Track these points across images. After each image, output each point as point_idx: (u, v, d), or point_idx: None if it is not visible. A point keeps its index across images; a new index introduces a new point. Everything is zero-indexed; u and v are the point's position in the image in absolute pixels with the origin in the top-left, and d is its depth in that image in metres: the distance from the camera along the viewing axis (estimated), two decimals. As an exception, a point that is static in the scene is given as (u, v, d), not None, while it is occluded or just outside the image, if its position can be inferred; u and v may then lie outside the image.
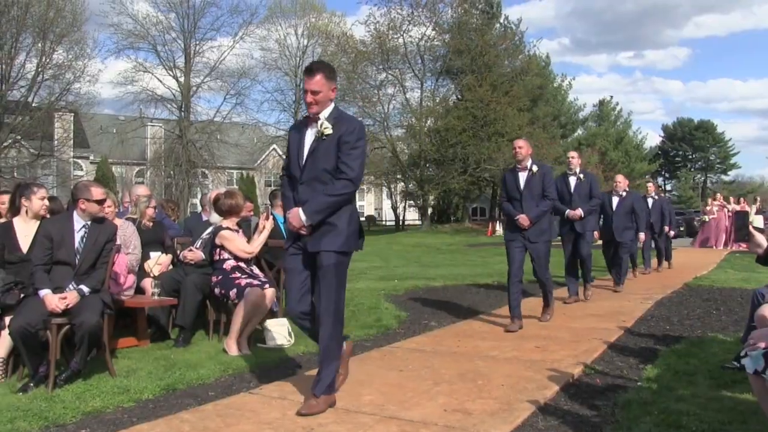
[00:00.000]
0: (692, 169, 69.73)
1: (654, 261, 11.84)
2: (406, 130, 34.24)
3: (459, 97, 33.71)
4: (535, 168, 6.26)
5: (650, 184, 11.70)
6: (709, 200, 18.66)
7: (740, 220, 4.63)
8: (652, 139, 72.54)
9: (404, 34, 32.16)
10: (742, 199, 19.38)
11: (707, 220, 17.86)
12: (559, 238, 8.13)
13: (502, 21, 36.43)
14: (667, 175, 71.35)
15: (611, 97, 54.50)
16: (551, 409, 3.63)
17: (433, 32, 32.76)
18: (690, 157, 70.31)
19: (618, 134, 49.40)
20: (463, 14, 32.80)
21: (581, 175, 7.84)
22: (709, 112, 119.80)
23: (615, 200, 8.89)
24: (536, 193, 6.20)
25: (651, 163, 52.19)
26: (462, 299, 8.27)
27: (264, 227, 5.78)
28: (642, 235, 9.67)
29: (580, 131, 47.04)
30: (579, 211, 7.67)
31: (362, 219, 50.45)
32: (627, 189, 9.25)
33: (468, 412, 3.55)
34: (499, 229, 27.74)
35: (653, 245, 11.66)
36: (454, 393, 3.91)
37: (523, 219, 6.06)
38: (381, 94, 34.08)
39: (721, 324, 6.33)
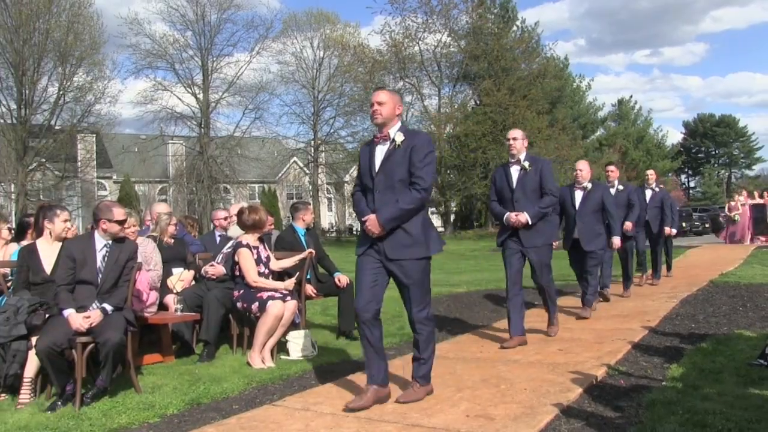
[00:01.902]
0: (716, 165, 68.71)
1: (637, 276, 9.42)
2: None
3: (477, 102, 33.67)
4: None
5: (651, 172, 9.93)
6: (735, 196, 18.32)
7: (758, 213, 4.57)
8: (673, 136, 71.91)
9: (420, 42, 32.26)
10: (766, 193, 19.01)
11: (737, 219, 17.50)
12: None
13: (518, 24, 36.41)
14: (690, 172, 70.40)
15: (630, 96, 54.09)
16: (574, 412, 3.60)
17: (449, 39, 32.82)
18: (713, 153, 69.30)
19: (638, 133, 48.91)
20: (478, 19, 32.79)
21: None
22: (730, 106, 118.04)
23: (579, 194, 6.97)
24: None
25: (674, 161, 51.54)
26: (485, 304, 8.23)
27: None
28: (616, 240, 7.20)
29: (600, 131, 46.66)
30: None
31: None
32: (592, 181, 7.21)
33: (491, 417, 3.53)
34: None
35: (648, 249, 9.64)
36: (476, 398, 3.90)
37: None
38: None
39: (747, 321, 6.23)
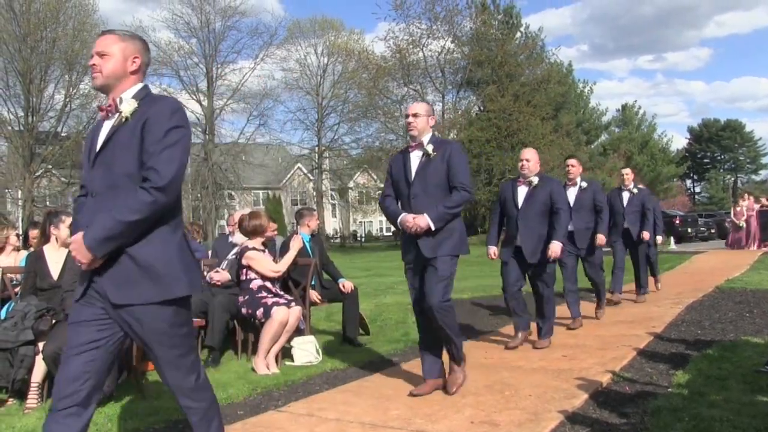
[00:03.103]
0: (721, 171, 68.55)
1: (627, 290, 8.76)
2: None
3: (481, 108, 33.69)
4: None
5: (627, 171, 8.61)
6: (740, 201, 18.22)
7: (764, 218, 4.57)
8: (678, 141, 71.57)
9: (424, 48, 32.32)
10: None
11: (742, 226, 17.42)
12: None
13: (522, 30, 36.45)
14: (695, 178, 70.26)
15: (635, 101, 54.05)
16: (579, 418, 3.59)
17: (453, 45, 32.85)
18: (719, 158, 69.15)
19: (643, 138, 48.82)
20: (482, 25, 32.83)
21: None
22: (735, 111, 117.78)
23: (522, 191, 5.71)
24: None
25: (678, 166, 51.41)
26: (489, 310, 8.23)
27: (292, 246, 5.87)
28: (555, 246, 5.50)
29: (604, 137, 46.61)
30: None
31: (389, 234, 50.54)
32: (541, 175, 5.87)
33: (495, 423, 3.53)
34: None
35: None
36: (481, 405, 3.90)
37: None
38: (403, 109, 34.17)
39: (754, 327, 6.20)
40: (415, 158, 4.32)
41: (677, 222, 26.62)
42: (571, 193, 6.82)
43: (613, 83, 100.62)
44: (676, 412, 3.55)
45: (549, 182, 5.69)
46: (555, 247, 5.46)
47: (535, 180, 5.63)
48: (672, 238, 22.54)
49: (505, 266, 5.68)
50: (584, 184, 6.93)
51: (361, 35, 42.71)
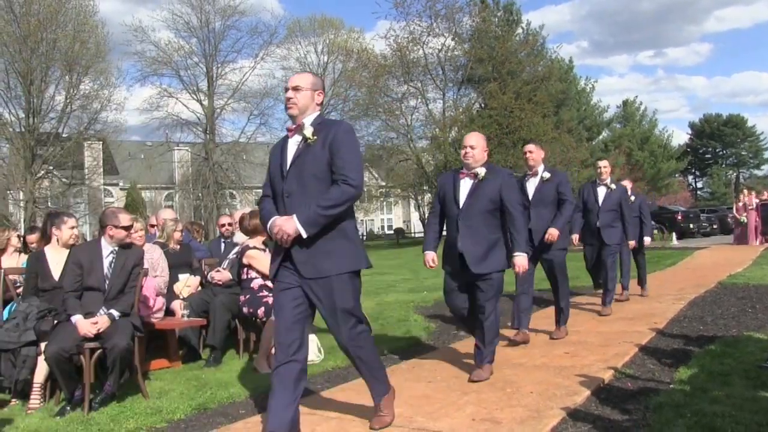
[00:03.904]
0: (723, 166, 68.43)
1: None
2: (431, 141, 34.23)
3: (482, 105, 33.63)
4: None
5: (603, 163, 7.54)
6: (741, 196, 18.20)
7: (765, 212, 4.55)
8: (679, 137, 71.55)
9: (424, 46, 32.25)
10: None
11: (744, 221, 17.41)
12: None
13: (523, 27, 36.40)
14: (697, 173, 70.14)
15: (635, 97, 53.94)
16: (581, 415, 3.59)
17: (453, 42, 32.80)
18: (720, 153, 69.03)
19: (643, 134, 48.73)
20: (482, 22, 32.77)
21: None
22: (737, 106, 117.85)
23: (465, 186, 4.68)
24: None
25: (679, 161, 51.32)
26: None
27: None
28: (521, 260, 4.59)
29: (605, 133, 46.53)
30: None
31: (390, 232, 50.51)
32: (489, 165, 4.81)
33: (497, 421, 3.53)
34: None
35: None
36: (482, 402, 3.90)
37: None
38: (403, 107, 34.16)
39: (757, 322, 6.18)
40: (293, 145, 3.39)
41: (679, 218, 26.57)
42: (531, 185, 5.89)
43: (613, 79, 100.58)
44: (678, 408, 3.54)
45: (498, 174, 4.64)
46: (519, 260, 4.54)
47: (482, 171, 4.59)
48: (674, 234, 22.51)
49: (447, 280, 4.73)
50: (547, 175, 5.84)
51: (361, 34, 42.72)
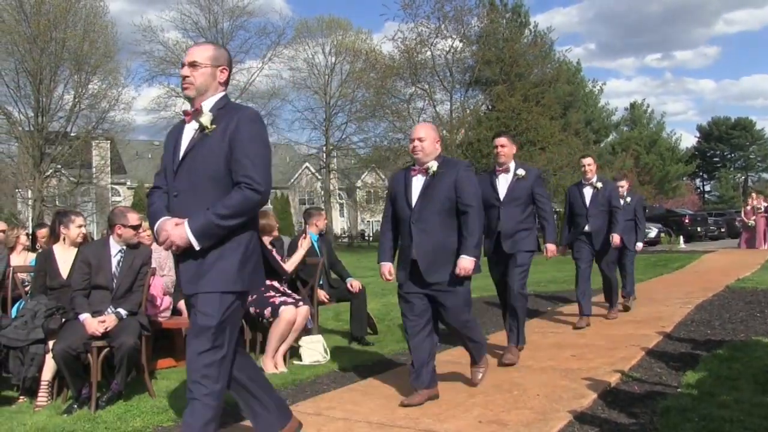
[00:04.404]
0: (732, 169, 68.10)
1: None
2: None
3: (489, 107, 33.60)
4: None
5: (588, 161, 6.84)
6: (748, 200, 18.11)
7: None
8: (687, 140, 71.19)
9: (432, 48, 32.25)
10: None
11: (753, 225, 17.31)
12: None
13: (531, 28, 36.36)
14: (705, 176, 69.84)
15: (643, 99, 53.78)
16: (588, 418, 3.58)
17: (461, 44, 32.77)
18: (729, 156, 68.71)
19: (651, 137, 48.56)
20: (490, 24, 32.75)
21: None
22: (745, 109, 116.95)
23: (417, 183, 4.15)
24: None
25: (688, 165, 51.13)
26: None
27: (301, 245, 5.88)
28: (465, 263, 3.98)
29: (612, 136, 46.41)
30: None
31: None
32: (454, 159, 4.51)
33: (503, 423, 3.52)
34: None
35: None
36: (489, 404, 3.89)
37: None
38: (411, 108, 34.15)
39: (766, 327, 6.15)
40: (189, 133, 2.88)
41: (687, 221, 26.50)
42: (503, 183, 5.22)
43: (620, 82, 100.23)
44: (685, 412, 3.53)
45: (454, 167, 4.09)
46: (463, 264, 3.93)
47: (434, 166, 4.06)
48: (681, 237, 22.43)
49: (401, 296, 4.13)
50: (522, 172, 5.20)
51: (369, 35, 42.71)
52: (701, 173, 68.24)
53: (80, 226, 4.98)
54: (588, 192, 6.73)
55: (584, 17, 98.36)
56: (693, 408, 3.59)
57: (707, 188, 70.03)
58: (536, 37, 35.38)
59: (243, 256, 2.78)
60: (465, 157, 31.62)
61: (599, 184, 6.70)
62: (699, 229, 26.32)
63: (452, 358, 5.37)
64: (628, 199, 7.83)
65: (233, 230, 2.73)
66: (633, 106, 52.19)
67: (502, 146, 5.27)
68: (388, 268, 4.22)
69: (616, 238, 6.67)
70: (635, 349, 5.26)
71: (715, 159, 69.05)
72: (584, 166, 6.84)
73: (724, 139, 66.95)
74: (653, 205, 34.77)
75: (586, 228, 6.61)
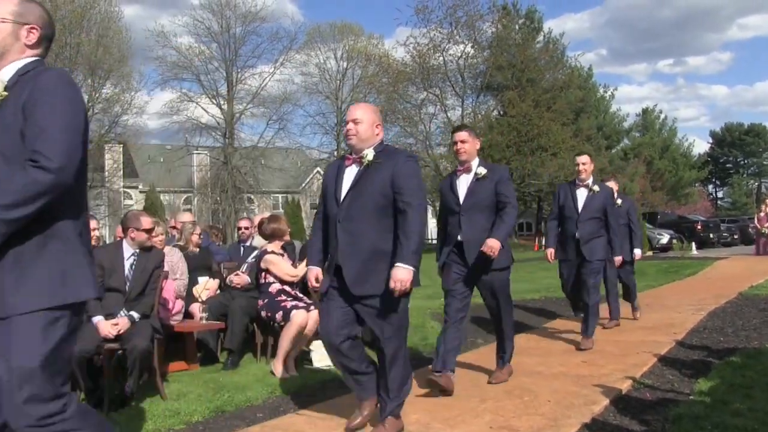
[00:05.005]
0: (745, 175, 67.59)
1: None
2: (449, 147, 34.22)
3: (501, 112, 33.59)
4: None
5: (583, 159, 6.11)
6: (762, 206, 17.97)
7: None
8: (700, 146, 70.81)
9: (444, 53, 32.30)
10: None
11: (765, 232, 17.19)
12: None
13: (544, 34, 36.37)
14: (718, 183, 69.37)
15: (655, 105, 53.52)
16: (599, 425, 3.57)
17: (473, 50, 32.80)
18: (741, 162, 68.22)
19: (663, 143, 48.33)
20: (503, 30, 32.76)
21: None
22: (759, 115, 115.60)
23: (348, 176, 3.63)
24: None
25: (700, 171, 50.82)
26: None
27: None
28: (399, 273, 3.30)
29: (624, 142, 46.23)
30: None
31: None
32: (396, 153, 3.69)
33: (514, 429, 3.52)
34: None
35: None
36: (500, 410, 3.88)
37: None
38: (422, 113, 34.21)
39: (779, 334, 6.11)
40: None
41: (699, 227, 26.33)
42: (463, 184, 4.54)
43: (632, 87, 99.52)
44: (698, 420, 3.51)
45: (393, 157, 3.47)
46: (399, 275, 3.26)
47: (370, 154, 3.45)
48: (693, 244, 22.29)
49: (324, 308, 3.61)
50: (482, 171, 4.48)
51: (381, 40, 42.82)
52: (714, 179, 67.79)
53: (93, 230, 5.02)
54: (582, 194, 6.01)
55: (596, 23, 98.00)
56: (706, 416, 3.57)
57: (720, 194, 69.52)
58: (549, 42, 35.37)
59: (67, 258, 2.14)
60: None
61: (596, 188, 6.00)
62: (711, 235, 26.15)
63: (463, 362, 5.36)
64: (619, 201, 7.10)
65: (41, 225, 2.08)
66: (645, 111, 51.97)
67: (462, 142, 4.50)
68: (315, 273, 3.58)
69: (617, 261, 6.29)
70: (647, 355, 5.23)
71: (728, 165, 68.57)
72: (578, 164, 6.10)
73: (737, 145, 66.48)
74: (665, 211, 34.56)
75: (576, 234, 5.93)
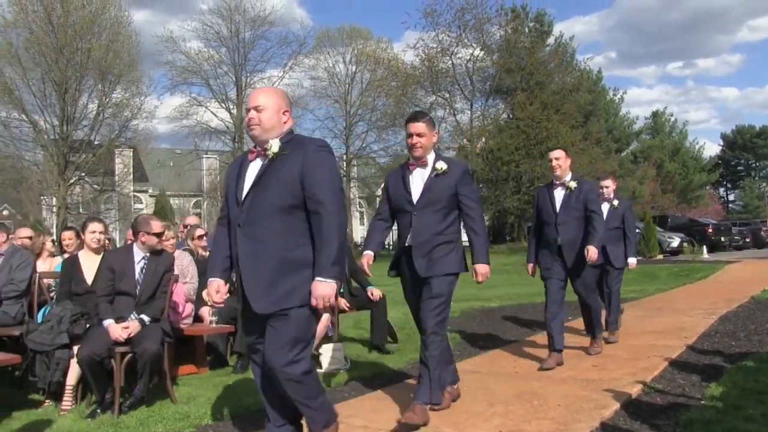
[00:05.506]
0: (756, 178, 67.12)
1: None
2: (458, 151, 34.22)
3: (510, 115, 33.56)
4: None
5: (555, 154, 5.42)
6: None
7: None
8: (710, 149, 70.36)
9: (453, 56, 32.31)
10: None
11: None
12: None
13: (555, 37, 36.35)
14: (729, 186, 68.94)
15: (665, 108, 53.31)
16: (609, 429, 3.55)
17: (482, 53, 32.80)
18: (753, 165, 67.78)
19: (674, 145, 48.10)
20: (512, 33, 32.74)
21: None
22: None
23: (253, 169, 3.15)
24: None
25: (710, 174, 50.53)
26: (518, 319, 8.17)
27: None
28: (320, 290, 2.83)
29: (634, 145, 46.06)
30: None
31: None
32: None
33: (524, 433, 3.50)
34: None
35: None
36: (509, 414, 3.87)
37: None
38: (433, 117, 34.19)
39: (792, 339, 6.05)
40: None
41: (710, 230, 26.18)
42: (417, 180, 4.00)
43: (642, 90, 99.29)
44: (709, 425, 3.48)
45: (302, 147, 2.97)
46: (318, 290, 2.81)
47: (274, 146, 2.96)
48: (704, 247, 22.16)
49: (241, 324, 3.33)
50: (442, 166, 3.96)
51: (389, 44, 42.84)
52: (725, 182, 67.40)
53: (93, 232, 5.06)
54: (559, 194, 5.35)
55: (604, 26, 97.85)
56: (718, 421, 3.54)
57: (731, 197, 69.11)
58: (558, 46, 35.33)
59: None
60: (486, 165, 31.53)
61: (573, 184, 5.30)
62: (723, 238, 26.00)
63: (472, 366, 5.36)
64: (615, 203, 6.51)
65: None
66: (655, 114, 51.76)
67: (418, 135, 3.94)
68: (215, 286, 3.10)
69: (592, 252, 5.07)
70: (657, 359, 5.20)
71: (739, 168, 68.17)
72: (551, 160, 5.39)
73: (748, 147, 66.08)
74: (676, 214, 34.39)
75: (558, 240, 5.29)
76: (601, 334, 5.70)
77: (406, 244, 3.96)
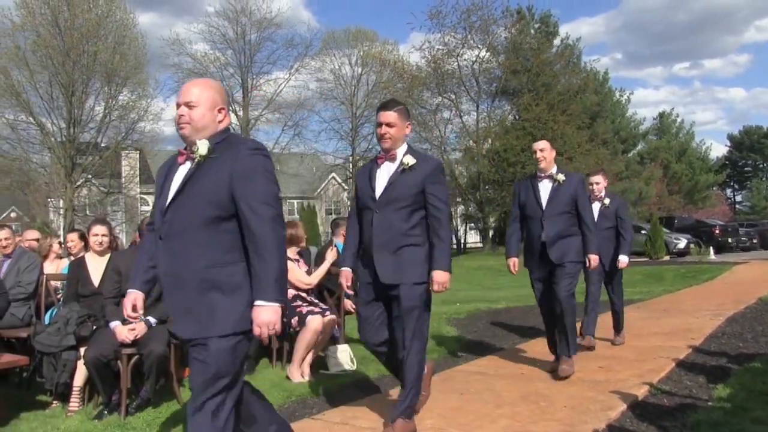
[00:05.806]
0: (764, 179, 66.81)
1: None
2: (464, 152, 34.22)
3: (516, 117, 33.53)
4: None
5: (540, 146, 5.09)
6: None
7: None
8: (717, 149, 70.01)
9: (458, 58, 32.32)
10: None
11: None
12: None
13: (560, 38, 36.29)
14: (736, 186, 68.65)
15: (672, 109, 53.13)
16: (615, 431, 3.54)
17: (487, 54, 32.79)
18: (761, 166, 67.49)
19: (681, 146, 47.93)
20: (518, 35, 32.72)
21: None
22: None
23: (180, 172, 2.71)
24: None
25: (717, 174, 50.32)
26: (524, 321, 8.15)
27: (327, 256, 5.91)
28: (263, 316, 2.42)
29: (641, 145, 45.92)
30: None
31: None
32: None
33: (530, 434, 3.50)
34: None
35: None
36: (516, 416, 3.87)
37: None
38: (437, 119, 34.21)
39: (799, 340, 6.03)
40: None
41: (717, 231, 26.07)
42: (383, 176, 3.65)
43: (648, 91, 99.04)
44: (717, 426, 3.47)
45: (232, 149, 2.58)
46: (259, 317, 2.43)
47: (203, 147, 2.57)
48: (711, 248, 22.07)
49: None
50: (410, 161, 3.60)
51: (395, 46, 42.94)
52: (732, 183, 67.13)
53: (96, 235, 5.07)
54: (545, 187, 4.99)
55: (611, 27, 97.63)
56: (725, 422, 3.53)
57: (738, 198, 68.81)
58: (565, 48, 35.28)
59: None
60: (492, 166, 31.48)
61: (561, 177, 4.96)
62: (730, 239, 25.89)
63: (479, 368, 5.36)
64: (607, 201, 6.15)
65: None
66: (662, 115, 51.60)
67: (388, 125, 3.58)
68: (132, 299, 2.79)
69: (593, 260, 4.91)
70: (664, 361, 5.18)
71: (746, 169, 67.87)
72: (536, 152, 5.04)
73: (756, 148, 65.79)
74: (682, 215, 34.27)
75: (542, 236, 4.92)
76: (575, 351, 5.02)
77: (366, 246, 3.61)
